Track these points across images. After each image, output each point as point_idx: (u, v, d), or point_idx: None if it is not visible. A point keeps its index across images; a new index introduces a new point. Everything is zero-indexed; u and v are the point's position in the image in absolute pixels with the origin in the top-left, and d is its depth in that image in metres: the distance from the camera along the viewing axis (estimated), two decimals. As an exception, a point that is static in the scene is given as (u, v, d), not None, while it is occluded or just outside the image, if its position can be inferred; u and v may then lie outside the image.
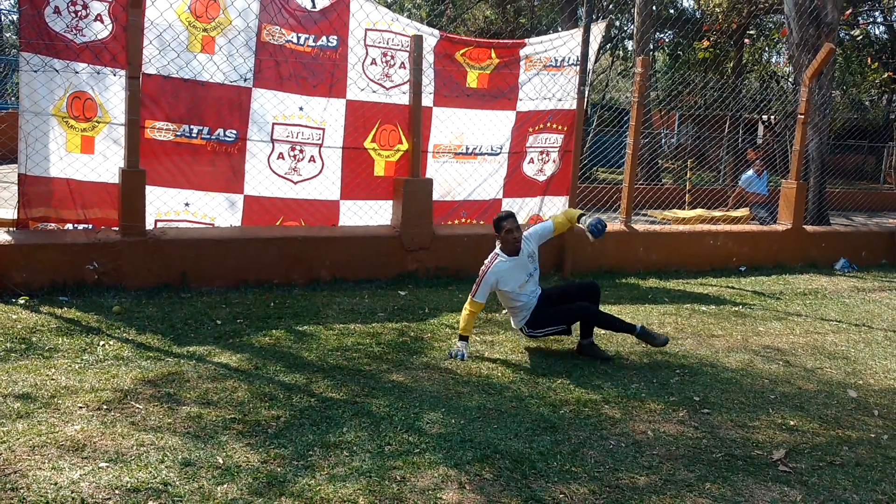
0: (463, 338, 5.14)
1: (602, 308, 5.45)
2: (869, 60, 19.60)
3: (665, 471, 3.63)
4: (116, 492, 3.09)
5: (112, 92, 6.41)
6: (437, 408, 4.21)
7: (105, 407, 3.92)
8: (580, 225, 5.42)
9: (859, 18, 19.52)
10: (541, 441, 3.86)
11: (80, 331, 5.11)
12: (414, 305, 6.37)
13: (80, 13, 6.17)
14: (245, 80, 6.85)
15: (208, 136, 6.82)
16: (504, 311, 6.34)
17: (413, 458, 3.56)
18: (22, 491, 3.04)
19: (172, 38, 6.51)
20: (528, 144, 8.26)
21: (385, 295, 6.67)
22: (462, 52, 7.75)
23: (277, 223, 7.21)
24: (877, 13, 20.87)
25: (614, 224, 8.60)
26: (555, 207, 8.51)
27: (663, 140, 21.92)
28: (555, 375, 4.87)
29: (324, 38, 7.10)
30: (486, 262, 5.27)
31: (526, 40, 8.20)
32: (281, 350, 5.03)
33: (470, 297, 5.20)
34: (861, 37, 19.59)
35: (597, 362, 5.18)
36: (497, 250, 5.29)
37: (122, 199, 6.21)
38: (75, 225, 6.53)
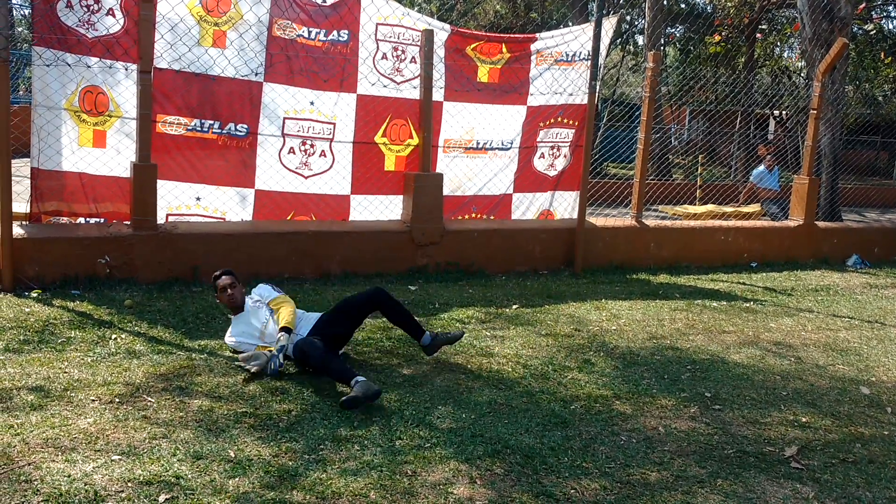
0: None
1: (606, 304, 5.41)
2: (882, 55, 19.44)
3: (676, 467, 3.62)
4: (129, 484, 3.11)
5: (124, 86, 6.42)
6: (448, 403, 4.21)
7: (117, 400, 3.94)
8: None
9: (873, 13, 19.37)
10: (552, 436, 3.85)
11: (92, 324, 5.14)
12: (424, 300, 6.37)
13: (91, 8, 6.19)
14: (256, 74, 6.86)
15: (219, 131, 6.83)
16: (515, 306, 6.34)
17: (424, 453, 3.57)
18: (35, 483, 3.06)
19: (184, 33, 6.52)
20: (538, 139, 8.24)
21: (395, 290, 6.67)
22: (473, 46, 7.73)
23: (288, 218, 7.22)
24: (890, 7, 20.72)
25: (625, 219, 8.58)
26: (565, 202, 8.50)
27: (672, 136, 21.83)
28: (565, 371, 4.87)
29: (335, 32, 7.10)
30: None
31: (537, 35, 8.17)
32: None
33: None
34: (874, 31, 19.44)
35: (609, 358, 5.17)
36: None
37: (133, 194, 6.23)
38: (87, 219, 6.55)
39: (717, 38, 18.58)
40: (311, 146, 7.22)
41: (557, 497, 3.25)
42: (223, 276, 4.91)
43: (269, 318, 4.79)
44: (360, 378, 4.13)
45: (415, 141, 7.49)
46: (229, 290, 4.84)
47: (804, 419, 4.33)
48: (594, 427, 4.02)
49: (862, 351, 5.77)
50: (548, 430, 3.93)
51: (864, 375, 5.19)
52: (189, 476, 3.21)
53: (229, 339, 4.87)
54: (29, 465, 3.21)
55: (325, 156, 7.28)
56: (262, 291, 4.98)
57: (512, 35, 8.36)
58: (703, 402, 4.48)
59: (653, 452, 3.76)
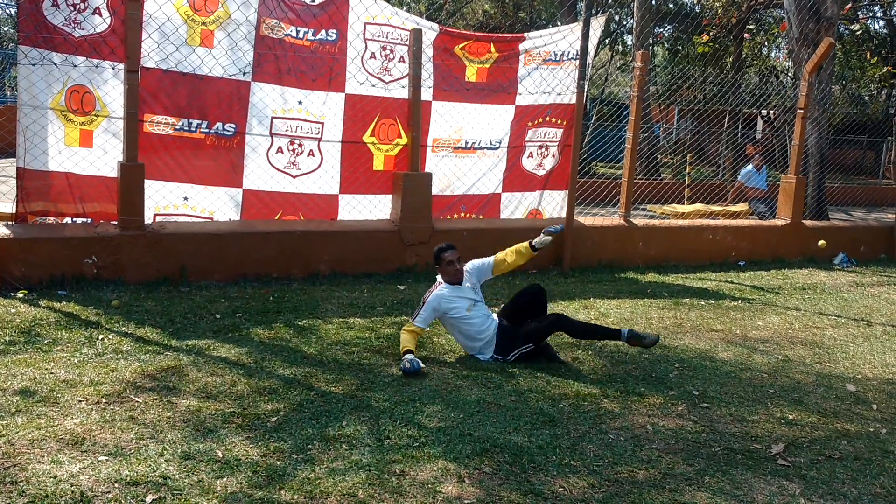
0: (408, 351, 4.76)
1: (595, 303, 5.44)
2: (868, 55, 19.58)
3: (664, 464, 3.63)
4: (116, 485, 3.09)
5: (111, 86, 6.40)
6: (437, 402, 4.21)
7: (104, 400, 3.92)
8: (538, 243, 5.24)
9: (859, 13, 19.48)
10: (540, 435, 3.86)
11: (79, 325, 5.11)
12: (413, 300, 6.36)
13: (78, 6, 6.16)
14: (244, 73, 6.84)
15: (207, 130, 6.81)
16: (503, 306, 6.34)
17: (412, 452, 3.57)
18: (21, 484, 3.04)
19: (171, 32, 6.50)
20: (527, 139, 8.25)
21: (384, 289, 6.67)
22: (461, 46, 7.73)
23: (276, 217, 7.20)
24: (876, 8, 20.84)
25: (614, 219, 8.60)
26: (554, 202, 8.51)
27: (659, 134, 21.90)
28: (554, 370, 4.87)
29: (323, 31, 7.09)
30: (429, 290, 5.11)
31: (525, 34, 8.19)
32: (280, 344, 5.03)
33: (410, 320, 5.00)
34: (861, 31, 19.56)
35: (597, 357, 5.18)
36: (439, 279, 5.13)
37: (120, 193, 6.20)
38: (74, 219, 6.52)
39: (705, 37, 18.64)
40: (300, 146, 7.20)
41: (546, 495, 3.26)
42: (449, 251, 5.08)
43: (475, 304, 5.03)
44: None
45: (403, 140, 7.49)
46: (457, 265, 5.05)
47: (791, 416, 4.35)
48: (582, 425, 4.03)
49: (848, 349, 5.80)
50: (536, 429, 3.93)
51: (851, 373, 5.22)
52: (176, 476, 3.20)
53: (434, 299, 4.98)
54: (14, 466, 3.19)
55: (313, 155, 7.27)
56: (476, 273, 5.22)
57: (500, 35, 8.37)
58: (690, 400, 4.50)
59: (641, 450, 3.77)
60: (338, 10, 7.10)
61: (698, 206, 12.01)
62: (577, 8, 18.92)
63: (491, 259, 5.26)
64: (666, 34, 23.38)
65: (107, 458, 3.31)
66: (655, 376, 4.88)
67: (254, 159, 7.03)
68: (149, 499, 3.01)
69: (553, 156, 8.43)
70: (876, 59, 19.22)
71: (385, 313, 5.93)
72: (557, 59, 8.18)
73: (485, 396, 4.34)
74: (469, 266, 5.22)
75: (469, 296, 5.07)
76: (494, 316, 5.16)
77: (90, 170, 6.46)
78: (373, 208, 7.56)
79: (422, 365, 4.68)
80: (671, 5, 23.28)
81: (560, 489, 3.32)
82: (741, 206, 11.66)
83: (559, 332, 5.15)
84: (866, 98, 22.71)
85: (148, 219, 6.47)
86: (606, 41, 22.24)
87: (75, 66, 6.24)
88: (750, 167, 11.78)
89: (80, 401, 3.89)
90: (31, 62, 6.09)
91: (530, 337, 5.00)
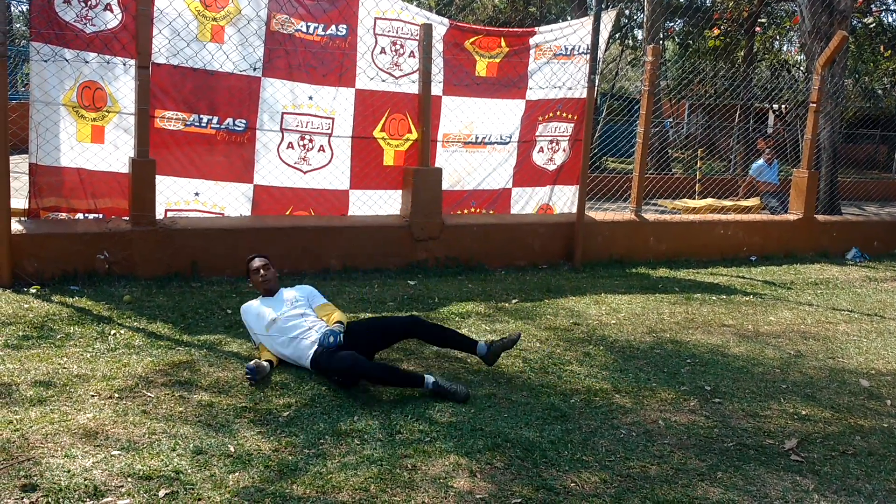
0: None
1: (606, 298, 5.38)
2: (882, 48, 19.41)
3: (676, 460, 3.62)
4: (129, 479, 3.11)
5: (122, 81, 6.41)
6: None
7: (117, 395, 3.93)
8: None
9: (872, 6, 19.31)
10: (552, 430, 3.85)
11: (91, 320, 5.13)
12: (423, 295, 6.37)
13: (89, 3, 6.17)
14: (255, 69, 6.84)
15: (218, 126, 6.82)
16: (515, 300, 6.34)
17: (424, 447, 3.57)
18: (35, 478, 3.06)
19: (182, 28, 6.51)
20: (537, 133, 8.23)
21: (394, 284, 6.67)
22: (471, 40, 7.71)
23: (287, 213, 7.21)
24: (890, 1, 20.68)
25: (625, 214, 8.58)
26: (564, 197, 8.49)
27: (669, 129, 21.80)
28: (565, 364, 4.86)
29: (333, 27, 7.08)
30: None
31: (536, 29, 8.16)
32: (291, 339, 5.03)
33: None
34: (874, 25, 19.39)
35: (608, 352, 5.17)
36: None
37: (132, 189, 6.22)
38: (86, 214, 6.55)
39: (717, 31, 18.54)
40: (310, 141, 7.21)
41: (557, 490, 3.26)
42: (256, 259, 4.90)
43: (300, 317, 4.55)
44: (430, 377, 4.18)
45: (413, 135, 7.48)
46: (262, 272, 4.80)
47: (804, 412, 4.33)
48: (594, 420, 4.02)
49: (861, 344, 5.77)
50: (548, 424, 3.93)
51: (864, 368, 5.19)
52: (189, 471, 3.21)
53: (246, 316, 4.75)
54: (28, 460, 3.21)
55: (323, 150, 7.28)
56: (308, 293, 4.85)
57: (510, 29, 8.34)
58: (702, 396, 4.48)
59: (653, 445, 3.76)
60: (348, 6, 7.09)
61: (709, 200, 11.95)
62: (588, 2, 18.84)
63: (323, 301, 4.82)
64: (677, 28, 23.25)
65: (120, 452, 3.33)
66: (667, 371, 4.86)
67: (264, 155, 7.04)
68: (161, 493, 3.02)
69: (564, 150, 8.40)
70: (889, 52, 19.05)
71: (395, 308, 5.93)
72: (568, 53, 8.15)
73: (496, 391, 4.33)
74: (302, 287, 4.89)
75: (282, 304, 4.64)
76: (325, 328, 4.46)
77: (102, 165, 6.48)
78: (383, 203, 7.55)
79: (260, 364, 4.29)
80: (682, 0, 23.15)
81: (572, 484, 3.32)
82: (753, 201, 11.60)
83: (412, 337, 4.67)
84: (879, 92, 22.52)
85: (159, 214, 6.49)
86: (617, 36, 22.15)
87: (87, 62, 6.26)
88: (761, 162, 11.73)
89: (92, 395, 3.91)
90: (43, 59, 6.11)
91: (336, 367, 4.20)
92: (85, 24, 6.19)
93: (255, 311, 4.73)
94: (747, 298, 7.02)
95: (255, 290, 5.02)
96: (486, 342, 4.61)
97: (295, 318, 4.56)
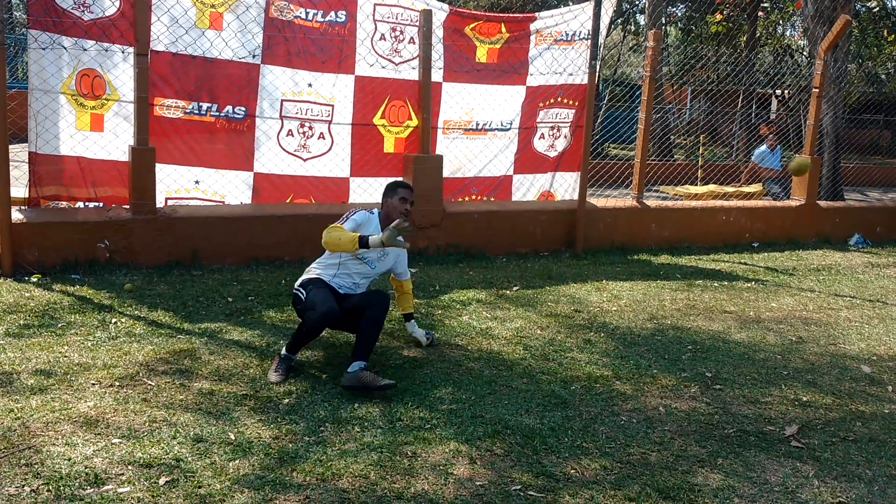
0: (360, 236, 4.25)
1: (607, 285, 5.36)
2: (885, 33, 19.28)
3: (677, 446, 3.62)
4: (129, 467, 3.11)
5: (121, 69, 6.39)
6: (448, 384, 4.21)
7: (118, 383, 3.94)
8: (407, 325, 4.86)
9: (876, -10, 19.16)
10: (552, 417, 3.85)
11: (92, 308, 5.14)
12: (425, 282, 6.36)
13: (87, -10, 6.14)
14: (254, 56, 6.81)
15: (217, 114, 6.79)
16: (516, 287, 6.33)
17: (424, 434, 3.57)
18: (36, 466, 3.07)
19: (180, 15, 6.47)
20: (538, 120, 8.19)
21: (396, 272, 6.65)
22: (472, 26, 7.67)
23: (287, 201, 7.20)
24: (894, -16, 20.52)
25: (626, 200, 8.55)
26: (566, 183, 8.46)
27: (671, 116, 21.71)
28: (566, 351, 4.86)
29: (332, 13, 7.04)
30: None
31: (536, 14, 8.11)
32: (292, 327, 5.02)
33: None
34: (878, 9, 19.27)
35: (609, 339, 5.17)
36: (377, 211, 4.68)
37: (132, 177, 6.21)
38: (86, 203, 6.54)
39: (719, 16, 18.42)
40: (310, 128, 7.18)
41: (557, 477, 3.26)
42: (410, 189, 4.61)
43: (377, 260, 4.58)
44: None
45: (414, 122, 7.45)
46: (409, 206, 4.56)
47: (805, 398, 4.32)
48: (594, 407, 4.02)
49: (863, 330, 5.76)
50: (548, 411, 3.93)
51: (865, 354, 5.19)
52: (189, 458, 3.22)
53: (360, 215, 4.50)
54: (29, 448, 3.21)
55: (323, 138, 7.25)
56: (403, 268, 4.85)
57: (511, 15, 8.28)
58: (703, 382, 4.48)
59: (653, 432, 3.76)
60: (347, -8, 7.05)
61: (711, 187, 11.91)
62: (589, -13, 18.72)
63: (407, 276, 4.90)
64: (679, 13, 23.12)
65: (120, 440, 3.34)
66: (668, 358, 4.86)
67: (264, 142, 7.02)
68: (162, 480, 3.02)
69: (565, 137, 8.37)
70: (893, 36, 18.92)
71: (395, 296, 5.91)
72: (569, 39, 8.10)
73: (496, 378, 4.34)
74: (395, 251, 4.67)
75: (377, 254, 4.56)
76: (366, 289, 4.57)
77: (101, 154, 6.47)
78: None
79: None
80: (684, -16, 22.99)
81: (572, 471, 3.32)
82: (755, 187, 11.56)
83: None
84: (883, 77, 22.39)
85: (159, 203, 6.48)
86: (618, 21, 22.03)
87: (85, 49, 6.23)
88: (764, 147, 11.67)
89: (93, 384, 3.92)
90: (41, 46, 6.08)
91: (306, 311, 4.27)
92: (83, 11, 6.16)
93: (369, 222, 4.48)
94: (749, 285, 7.00)
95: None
96: (361, 367, 4.07)
97: (363, 268, 4.56)
